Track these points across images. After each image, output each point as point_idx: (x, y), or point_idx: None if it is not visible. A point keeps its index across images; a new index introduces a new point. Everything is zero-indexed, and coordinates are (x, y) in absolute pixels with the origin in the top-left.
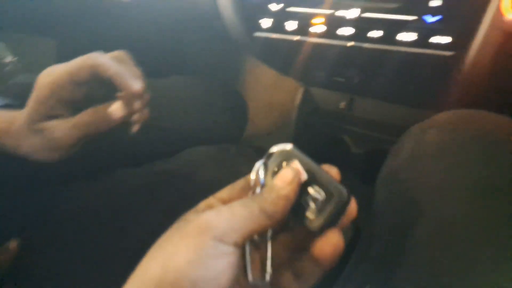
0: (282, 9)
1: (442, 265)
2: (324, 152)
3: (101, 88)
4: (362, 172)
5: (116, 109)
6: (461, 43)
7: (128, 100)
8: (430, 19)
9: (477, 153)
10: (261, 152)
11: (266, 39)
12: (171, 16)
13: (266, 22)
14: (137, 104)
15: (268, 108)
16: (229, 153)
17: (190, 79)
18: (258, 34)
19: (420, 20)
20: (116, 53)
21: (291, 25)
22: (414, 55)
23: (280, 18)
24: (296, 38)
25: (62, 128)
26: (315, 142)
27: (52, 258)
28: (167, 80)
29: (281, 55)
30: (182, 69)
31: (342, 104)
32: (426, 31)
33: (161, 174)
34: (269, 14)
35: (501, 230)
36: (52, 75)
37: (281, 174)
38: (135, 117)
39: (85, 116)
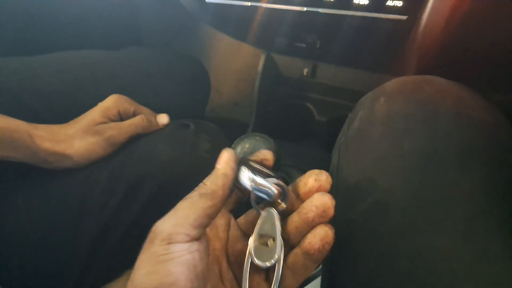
0: None
1: (385, 232)
2: (289, 121)
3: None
4: (326, 140)
5: (164, 117)
6: (413, 7)
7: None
8: None
9: (421, 120)
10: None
11: (218, 5)
12: None
13: None
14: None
15: (232, 77)
16: (188, 130)
17: (147, 50)
18: (210, 0)
19: None
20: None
21: None
22: (371, 19)
23: None
24: (248, 3)
25: (117, 128)
26: (279, 110)
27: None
28: (122, 51)
29: (236, 22)
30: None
31: (305, 71)
32: None
33: (117, 155)
34: None
35: (445, 196)
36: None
37: (219, 156)
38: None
39: (137, 120)
